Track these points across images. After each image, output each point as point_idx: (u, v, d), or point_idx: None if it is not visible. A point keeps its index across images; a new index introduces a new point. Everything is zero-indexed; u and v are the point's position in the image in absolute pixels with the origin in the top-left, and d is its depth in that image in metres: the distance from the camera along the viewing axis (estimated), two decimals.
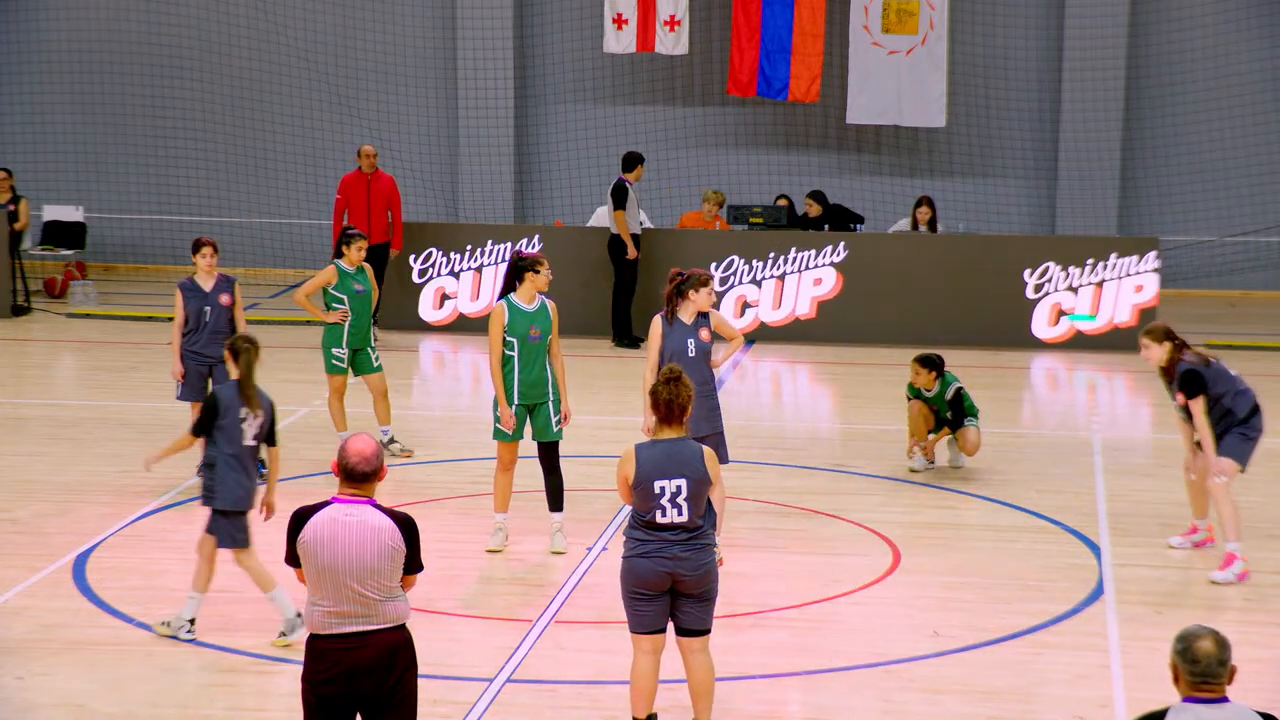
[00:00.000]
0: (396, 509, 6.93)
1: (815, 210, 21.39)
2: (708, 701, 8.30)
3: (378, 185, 20.02)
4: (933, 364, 13.73)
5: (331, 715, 6.85)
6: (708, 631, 8.24)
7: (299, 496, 12.81)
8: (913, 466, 14.00)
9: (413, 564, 6.90)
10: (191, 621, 9.82)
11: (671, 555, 8.03)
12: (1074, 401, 18.16)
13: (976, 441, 13.82)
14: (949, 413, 13.81)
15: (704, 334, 11.29)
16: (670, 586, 8.09)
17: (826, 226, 21.19)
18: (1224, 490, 11.19)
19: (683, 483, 8.02)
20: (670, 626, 8.24)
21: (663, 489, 8.01)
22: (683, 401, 8.13)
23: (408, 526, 6.87)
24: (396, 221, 20.15)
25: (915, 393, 13.89)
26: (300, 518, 6.87)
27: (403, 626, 6.91)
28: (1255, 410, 11.25)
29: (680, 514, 8.03)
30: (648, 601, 8.11)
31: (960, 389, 13.77)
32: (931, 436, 13.94)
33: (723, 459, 11.14)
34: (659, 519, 8.03)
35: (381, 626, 6.83)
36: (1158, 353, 11.36)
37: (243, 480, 9.77)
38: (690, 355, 11.18)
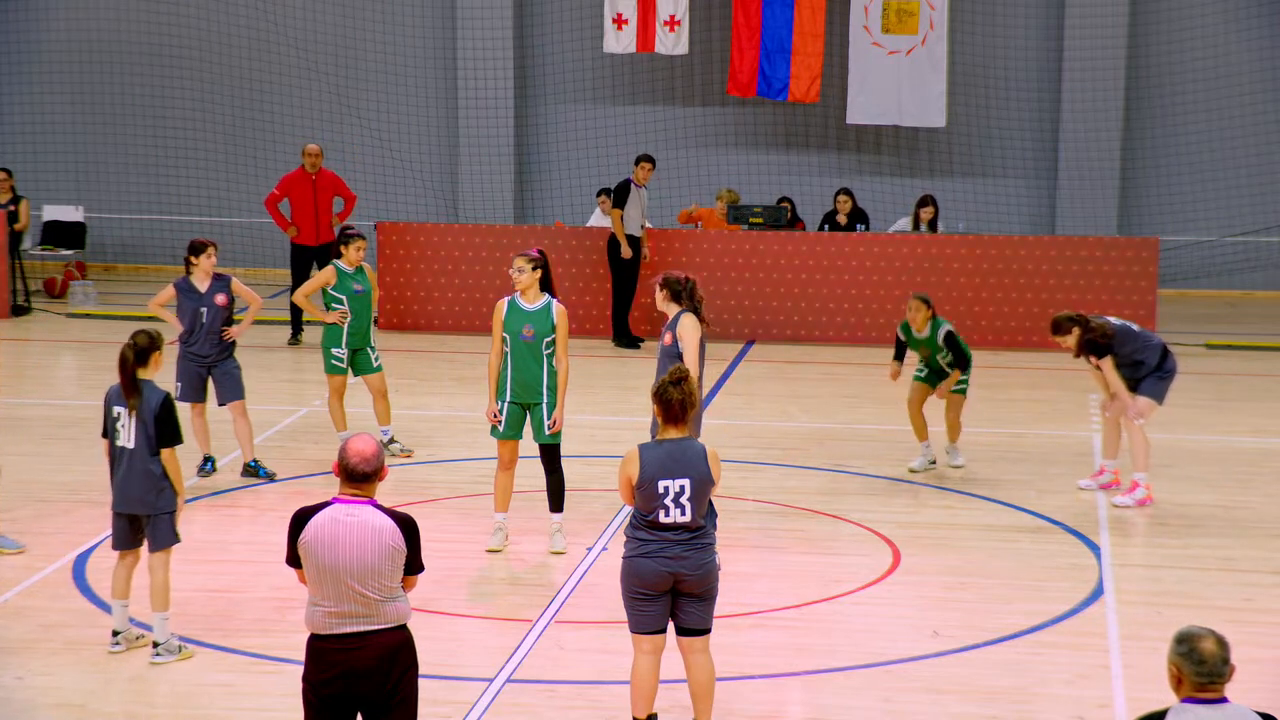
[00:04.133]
0: (397, 509, 6.93)
1: (846, 209, 21.26)
2: (708, 702, 8.30)
3: (321, 184, 20.02)
4: (929, 302, 13.76)
5: (332, 715, 6.85)
6: (708, 631, 8.24)
7: (299, 497, 12.84)
8: (913, 466, 14.00)
9: (413, 564, 6.90)
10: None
11: (674, 555, 8.04)
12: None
13: (958, 408, 13.86)
14: (947, 354, 13.73)
15: (667, 338, 11.16)
16: (672, 586, 8.10)
17: (860, 227, 21.10)
18: (1140, 429, 13.00)
19: (686, 483, 8.03)
20: (671, 626, 8.24)
21: (666, 489, 8.02)
22: (690, 402, 8.16)
23: (408, 527, 6.87)
24: (348, 207, 20.42)
25: (907, 335, 13.83)
26: (301, 518, 6.87)
27: (403, 627, 6.90)
28: (1165, 354, 13.01)
29: (684, 514, 8.04)
30: (649, 601, 8.11)
31: (951, 330, 13.76)
32: (942, 384, 13.82)
33: None
34: (662, 519, 8.04)
35: (382, 627, 6.83)
36: (1070, 340, 13.00)
37: (115, 482, 9.52)
38: (659, 358, 11.17)
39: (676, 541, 8.05)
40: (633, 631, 8.21)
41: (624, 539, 8.22)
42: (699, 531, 8.09)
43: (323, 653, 6.83)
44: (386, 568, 6.80)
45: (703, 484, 8.07)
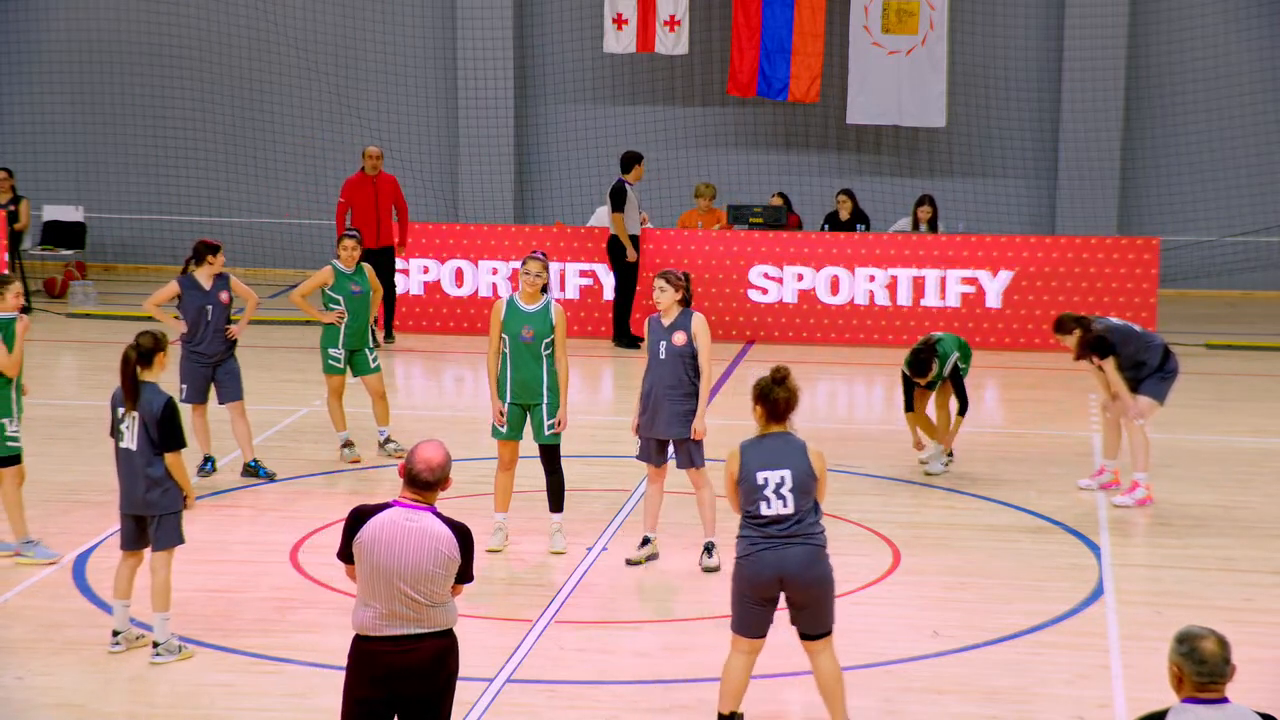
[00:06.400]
0: (455, 519, 6.93)
1: (847, 210, 21.25)
2: (836, 700, 8.28)
3: (383, 187, 19.79)
4: (924, 365, 13.58)
5: (371, 716, 6.85)
6: (828, 633, 8.23)
7: (299, 497, 12.85)
8: (923, 458, 13.90)
9: (464, 575, 6.94)
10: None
11: (779, 553, 8.02)
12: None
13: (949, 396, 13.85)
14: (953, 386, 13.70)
15: (678, 337, 11.18)
16: (780, 591, 8.10)
17: (860, 227, 21.07)
18: (1140, 429, 13.07)
19: (786, 474, 8.06)
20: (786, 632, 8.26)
21: (766, 480, 8.05)
22: (794, 400, 8.24)
23: (464, 537, 6.89)
24: (403, 220, 19.80)
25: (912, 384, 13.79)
26: (360, 516, 6.87)
27: (450, 631, 6.93)
28: (1167, 355, 13.09)
29: (785, 505, 8.05)
30: (754, 606, 8.13)
31: (956, 363, 13.67)
32: (954, 419, 13.79)
33: (698, 462, 11.17)
34: (763, 510, 8.05)
35: (431, 630, 6.85)
36: (1072, 340, 13.09)
37: (121, 483, 9.50)
38: (660, 357, 11.17)
39: (780, 536, 8.04)
40: (733, 630, 8.23)
41: (735, 542, 8.21)
42: (803, 523, 8.07)
43: (372, 655, 6.83)
44: (440, 575, 6.81)
45: (804, 476, 8.08)
